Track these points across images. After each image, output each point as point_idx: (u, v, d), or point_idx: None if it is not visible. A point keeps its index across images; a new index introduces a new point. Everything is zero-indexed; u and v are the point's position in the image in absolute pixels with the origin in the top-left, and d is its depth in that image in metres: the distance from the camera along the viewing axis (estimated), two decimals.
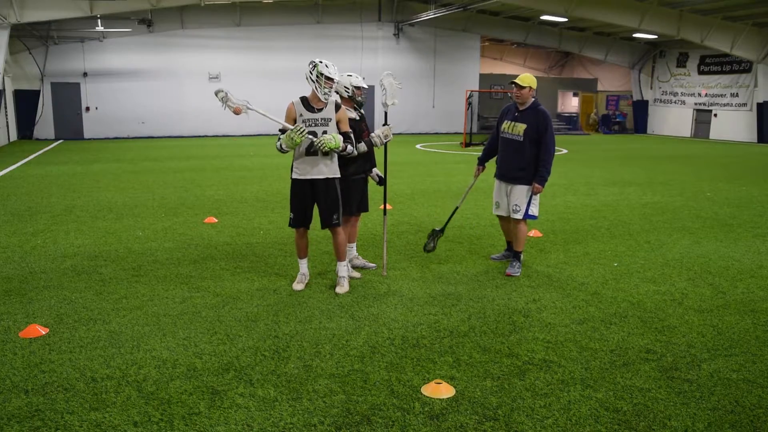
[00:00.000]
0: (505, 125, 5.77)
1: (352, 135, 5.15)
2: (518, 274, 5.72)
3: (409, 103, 28.05)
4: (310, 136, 4.91)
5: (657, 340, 4.23)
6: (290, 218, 5.24)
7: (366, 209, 5.75)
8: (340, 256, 5.28)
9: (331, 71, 4.94)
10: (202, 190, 10.85)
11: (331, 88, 4.94)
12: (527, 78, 5.64)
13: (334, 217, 5.14)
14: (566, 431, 3.09)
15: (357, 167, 5.47)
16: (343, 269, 5.29)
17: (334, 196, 5.13)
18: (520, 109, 5.70)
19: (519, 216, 5.73)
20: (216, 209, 8.96)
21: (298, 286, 5.29)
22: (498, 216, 6.12)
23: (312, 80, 4.94)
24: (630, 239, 7.30)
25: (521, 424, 3.13)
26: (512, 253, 5.90)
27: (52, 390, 3.43)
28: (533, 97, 5.75)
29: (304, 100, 5.06)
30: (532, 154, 5.64)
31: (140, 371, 3.67)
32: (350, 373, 3.67)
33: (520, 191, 5.72)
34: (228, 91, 4.94)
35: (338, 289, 5.19)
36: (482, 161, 6.19)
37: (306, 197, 5.13)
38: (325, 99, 4.95)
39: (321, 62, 4.95)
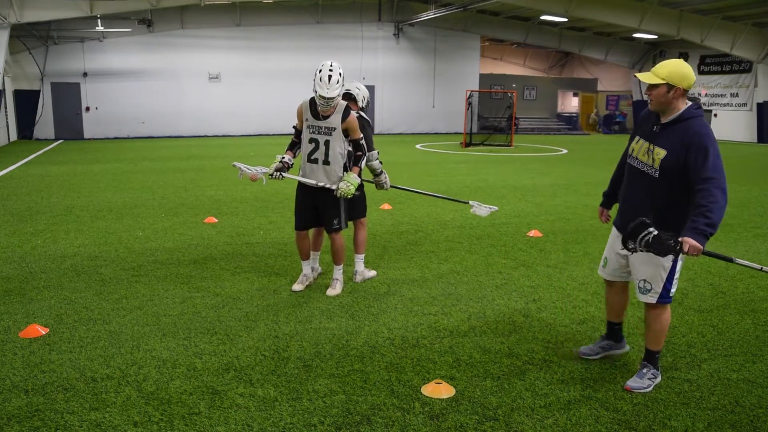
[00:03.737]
0: (635, 144, 3.56)
1: (363, 142, 5.01)
2: (648, 388, 3.51)
3: (409, 103, 28.07)
4: (328, 186, 4.90)
5: None
6: (295, 221, 5.22)
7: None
8: (337, 260, 5.22)
9: (323, 87, 4.60)
10: (202, 190, 10.84)
11: (327, 103, 4.68)
12: (666, 66, 3.46)
13: (335, 222, 5.05)
14: (566, 431, 3.09)
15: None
16: (339, 272, 5.23)
17: (335, 202, 5.02)
18: (662, 121, 3.42)
19: (649, 299, 3.53)
20: (216, 209, 8.96)
21: (297, 286, 5.25)
22: (605, 280, 3.94)
23: (313, 89, 4.72)
24: None
25: (521, 424, 3.13)
26: (645, 355, 3.64)
27: (52, 390, 3.43)
28: (688, 102, 3.43)
29: (312, 103, 4.88)
30: (675, 199, 3.34)
31: (140, 371, 3.67)
32: (350, 373, 3.67)
33: (650, 258, 3.42)
34: (242, 165, 5.02)
35: (330, 291, 5.12)
36: (608, 199, 4.00)
37: (306, 200, 5.08)
38: (322, 109, 4.77)
39: (319, 72, 4.63)
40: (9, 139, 21.40)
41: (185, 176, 12.68)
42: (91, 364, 3.75)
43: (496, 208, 6.03)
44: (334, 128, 4.84)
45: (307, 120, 4.88)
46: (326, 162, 4.91)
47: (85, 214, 8.54)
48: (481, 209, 5.92)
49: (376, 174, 5.56)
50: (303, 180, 4.97)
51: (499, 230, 7.73)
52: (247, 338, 4.18)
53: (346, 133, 4.90)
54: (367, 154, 5.23)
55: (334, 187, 4.87)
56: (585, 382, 3.60)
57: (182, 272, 5.76)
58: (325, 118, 4.83)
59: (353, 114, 4.90)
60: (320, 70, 4.64)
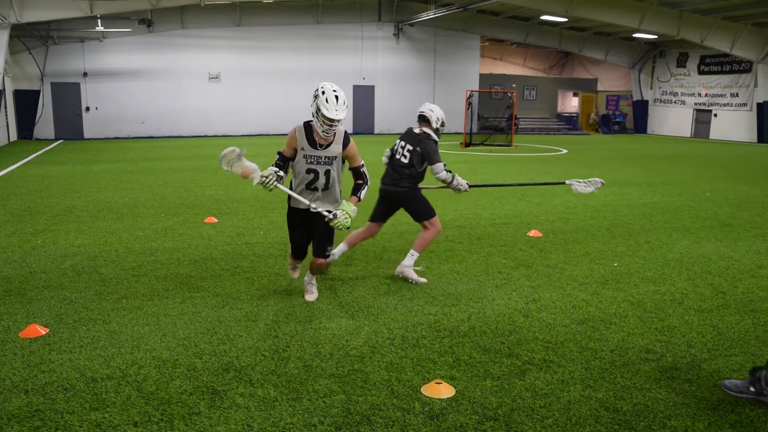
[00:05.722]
0: None
1: (365, 170, 4.68)
2: None
3: (409, 103, 28.04)
4: (324, 212, 4.46)
5: (657, 340, 4.23)
6: (291, 248, 4.98)
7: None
8: (313, 272, 4.92)
9: (331, 109, 4.17)
10: (202, 190, 10.84)
11: (331, 127, 4.27)
12: None
13: (328, 248, 4.72)
14: (566, 431, 3.09)
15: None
16: (314, 279, 4.98)
17: (330, 229, 4.64)
18: None
19: None
20: (216, 209, 8.96)
21: (293, 273, 5.19)
22: None
23: (312, 112, 4.28)
24: (630, 239, 7.30)
25: (521, 424, 3.13)
26: None
27: (52, 390, 3.43)
28: None
29: (308, 131, 4.38)
30: None
31: (140, 371, 3.67)
32: (350, 373, 3.67)
33: None
34: (241, 151, 4.34)
35: (308, 297, 4.92)
36: None
37: (302, 228, 4.73)
38: (325, 136, 4.34)
39: (323, 93, 4.20)
40: (9, 139, 21.40)
41: (185, 176, 12.68)
42: (91, 364, 3.75)
43: (602, 181, 6.04)
44: (335, 157, 4.44)
45: (303, 149, 4.41)
46: (326, 188, 4.57)
47: (85, 214, 8.54)
48: (581, 186, 5.87)
49: (448, 183, 5.51)
50: (297, 197, 4.53)
51: (499, 230, 7.73)
52: (247, 338, 4.18)
53: (343, 159, 4.56)
54: (433, 167, 5.32)
55: (330, 215, 4.44)
56: (585, 382, 3.60)
57: (182, 272, 5.76)
58: (324, 147, 4.38)
59: (353, 141, 4.60)
60: (323, 92, 4.20)
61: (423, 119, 5.51)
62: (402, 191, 5.42)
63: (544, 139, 26.85)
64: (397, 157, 5.43)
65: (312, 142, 4.37)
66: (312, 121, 4.38)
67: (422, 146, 5.33)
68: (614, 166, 15.53)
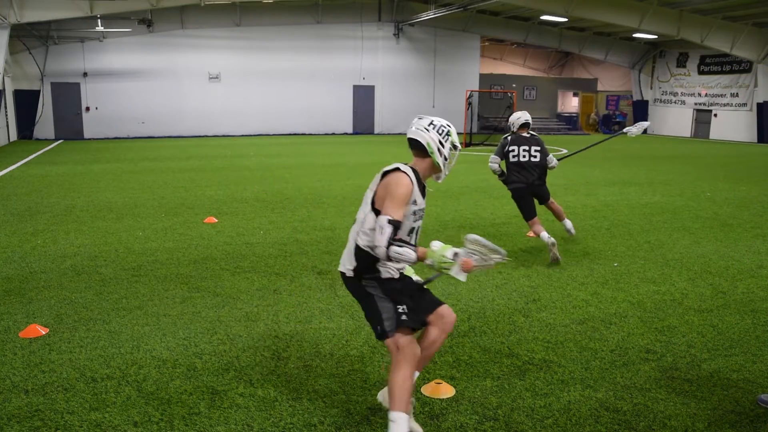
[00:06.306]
0: None
1: None
2: None
3: (409, 103, 28.06)
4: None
5: (657, 340, 4.23)
6: (397, 314, 2.99)
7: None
8: (442, 336, 3.18)
9: (456, 139, 3.20)
10: (202, 190, 10.84)
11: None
12: None
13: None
14: (566, 431, 3.09)
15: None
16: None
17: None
18: None
19: None
20: (216, 209, 8.96)
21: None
22: None
23: (442, 153, 3.13)
24: (630, 239, 7.30)
25: (521, 424, 3.13)
26: None
27: (52, 390, 3.43)
28: None
29: (418, 177, 3.11)
30: None
31: (140, 371, 3.67)
32: (350, 373, 3.67)
33: None
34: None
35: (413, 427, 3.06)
36: None
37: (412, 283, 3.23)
38: (443, 177, 3.26)
39: (449, 126, 3.18)
40: (9, 139, 21.40)
41: (185, 176, 12.68)
42: (91, 364, 3.75)
43: (648, 123, 7.57)
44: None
45: (415, 203, 3.07)
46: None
47: (85, 214, 8.54)
48: (634, 129, 7.34)
49: (552, 167, 6.69)
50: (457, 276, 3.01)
51: (499, 230, 7.73)
52: (247, 338, 4.18)
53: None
54: (550, 157, 6.61)
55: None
56: (585, 382, 3.60)
57: (182, 272, 5.76)
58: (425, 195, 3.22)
59: None
60: (448, 125, 3.19)
61: (527, 125, 6.61)
62: (544, 185, 6.67)
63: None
64: (523, 159, 6.49)
65: (423, 193, 3.18)
66: (407, 164, 3.19)
67: (543, 144, 6.58)
68: (614, 166, 15.54)
